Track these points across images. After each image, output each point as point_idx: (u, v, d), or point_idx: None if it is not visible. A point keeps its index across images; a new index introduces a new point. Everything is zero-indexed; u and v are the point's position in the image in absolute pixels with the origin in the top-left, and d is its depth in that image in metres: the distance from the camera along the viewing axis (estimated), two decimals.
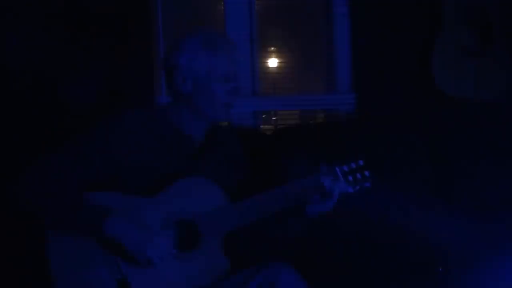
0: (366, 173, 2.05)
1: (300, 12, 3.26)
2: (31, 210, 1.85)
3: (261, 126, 3.25)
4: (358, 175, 2.04)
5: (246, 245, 2.08)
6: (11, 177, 1.86)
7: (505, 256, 2.51)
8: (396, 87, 3.00)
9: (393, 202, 2.57)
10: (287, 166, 2.41)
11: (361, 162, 2.06)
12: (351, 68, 3.09)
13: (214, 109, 1.99)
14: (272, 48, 3.41)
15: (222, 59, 1.97)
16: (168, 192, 1.92)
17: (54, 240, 1.84)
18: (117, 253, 1.83)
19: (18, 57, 2.73)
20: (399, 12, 3.00)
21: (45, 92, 2.74)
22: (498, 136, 2.99)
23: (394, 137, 2.76)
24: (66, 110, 2.71)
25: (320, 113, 3.38)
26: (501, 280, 2.45)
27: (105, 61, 2.79)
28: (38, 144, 2.48)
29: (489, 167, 2.95)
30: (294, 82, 3.43)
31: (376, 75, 2.99)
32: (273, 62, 3.41)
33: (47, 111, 2.71)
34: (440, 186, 2.77)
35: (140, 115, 1.99)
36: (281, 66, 3.42)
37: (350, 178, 2.03)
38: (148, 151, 1.95)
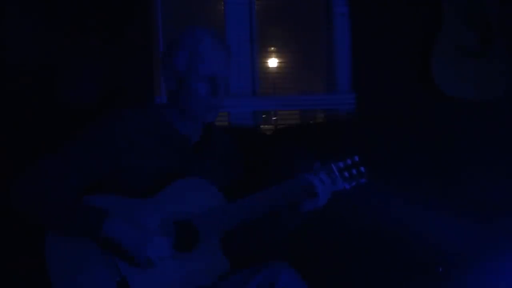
0: (362, 168, 2.05)
1: (300, 12, 3.26)
2: (29, 212, 1.85)
3: (261, 126, 3.25)
4: (354, 171, 2.05)
5: (244, 243, 2.08)
6: (10, 178, 1.86)
7: (505, 256, 2.51)
8: (396, 87, 3.00)
9: (393, 202, 2.57)
10: (287, 166, 2.41)
11: (356, 158, 2.06)
12: (351, 68, 3.08)
13: (197, 109, 1.97)
14: (272, 48, 3.40)
15: (202, 58, 1.94)
16: (166, 193, 1.92)
17: (53, 242, 1.84)
18: (116, 254, 1.83)
19: (16, 56, 2.73)
20: (399, 12, 3.00)
21: (43, 92, 2.74)
22: (498, 136, 3.00)
23: (394, 137, 2.76)
24: (64, 109, 2.71)
25: (320, 113, 3.38)
26: (501, 280, 2.45)
27: (104, 61, 2.79)
28: (36, 145, 2.48)
29: (489, 167, 2.96)
30: (294, 82, 3.43)
31: (376, 75, 2.99)
32: (273, 62, 3.41)
33: (45, 111, 2.71)
34: (440, 186, 2.77)
35: (137, 115, 1.99)
36: (281, 66, 3.42)
37: (346, 174, 2.04)
38: (145, 150, 1.95)
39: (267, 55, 3.38)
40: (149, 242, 1.83)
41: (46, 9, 2.75)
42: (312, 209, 2.01)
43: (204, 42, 1.95)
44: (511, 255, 2.52)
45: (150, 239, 1.83)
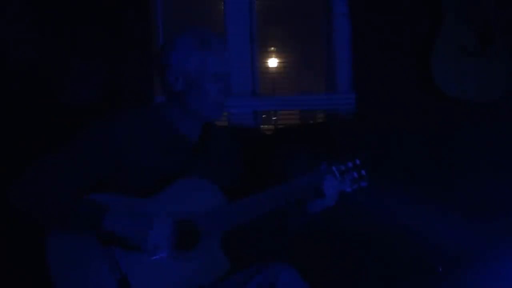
0: (363, 172, 2.06)
1: (300, 12, 3.26)
2: (29, 211, 1.85)
3: (261, 126, 3.25)
4: (355, 174, 2.05)
5: (246, 244, 2.08)
6: (10, 177, 1.86)
7: (504, 256, 2.51)
8: (396, 87, 3.00)
9: (393, 202, 2.57)
10: (287, 166, 2.41)
11: (357, 161, 2.07)
12: (351, 68, 3.08)
13: (206, 108, 1.99)
14: (272, 48, 3.41)
15: (214, 58, 1.97)
16: (167, 193, 1.92)
17: (54, 240, 1.84)
18: (121, 247, 1.82)
19: (15, 57, 2.72)
20: (399, 12, 3.00)
21: (43, 92, 2.73)
22: (498, 136, 2.99)
23: (394, 137, 2.76)
24: (64, 110, 2.71)
25: (320, 113, 3.38)
26: (501, 280, 2.46)
27: (104, 61, 2.79)
28: (36, 145, 2.48)
29: (489, 167, 2.96)
30: (294, 82, 3.43)
31: (376, 75, 2.99)
32: (273, 62, 3.42)
33: (45, 111, 2.71)
34: (439, 186, 2.77)
35: (137, 115, 1.99)
36: (281, 66, 3.43)
37: (347, 177, 2.04)
38: (145, 151, 1.95)
39: (267, 55, 3.38)
40: (150, 228, 1.83)
41: (45, 8, 2.74)
42: (319, 210, 2.01)
43: (212, 42, 1.98)
44: (511, 255, 2.52)
45: (151, 225, 1.83)
